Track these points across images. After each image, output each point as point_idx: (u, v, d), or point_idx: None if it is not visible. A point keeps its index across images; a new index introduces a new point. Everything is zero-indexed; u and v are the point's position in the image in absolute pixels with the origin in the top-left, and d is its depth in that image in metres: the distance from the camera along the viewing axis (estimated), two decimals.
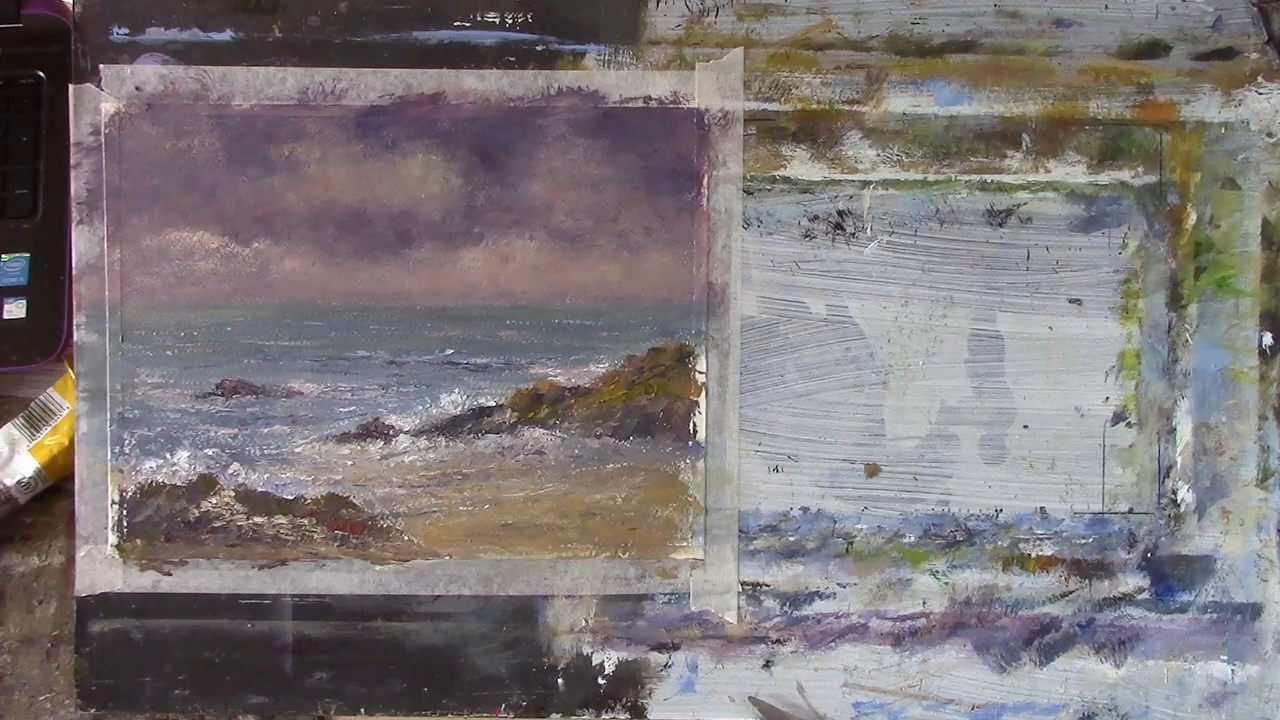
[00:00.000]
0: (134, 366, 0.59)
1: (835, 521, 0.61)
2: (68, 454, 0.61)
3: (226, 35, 0.60)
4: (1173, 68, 0.61)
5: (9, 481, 0.61)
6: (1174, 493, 0.61)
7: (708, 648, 0.60)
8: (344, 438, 0.60)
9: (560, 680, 0.60)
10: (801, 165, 0.61)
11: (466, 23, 0.60)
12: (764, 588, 0.61)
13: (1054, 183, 0.61)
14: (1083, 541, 0.61)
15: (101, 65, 0.59)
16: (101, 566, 0.59)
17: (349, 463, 0.60)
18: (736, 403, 0.60)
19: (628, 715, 0.60)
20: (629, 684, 0.60)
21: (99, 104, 0.59)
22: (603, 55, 0.60)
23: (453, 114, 0.60)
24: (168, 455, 0.59)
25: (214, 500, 0.60)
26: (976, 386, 0.61)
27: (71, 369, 0.61)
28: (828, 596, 0.61)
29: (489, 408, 0.60)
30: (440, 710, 0.60)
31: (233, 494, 0.60)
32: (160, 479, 0.59)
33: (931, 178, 0.61)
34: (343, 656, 0.60)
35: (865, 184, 0.61)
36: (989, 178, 0.61)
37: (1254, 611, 0.61)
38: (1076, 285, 0.61)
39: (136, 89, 0.59)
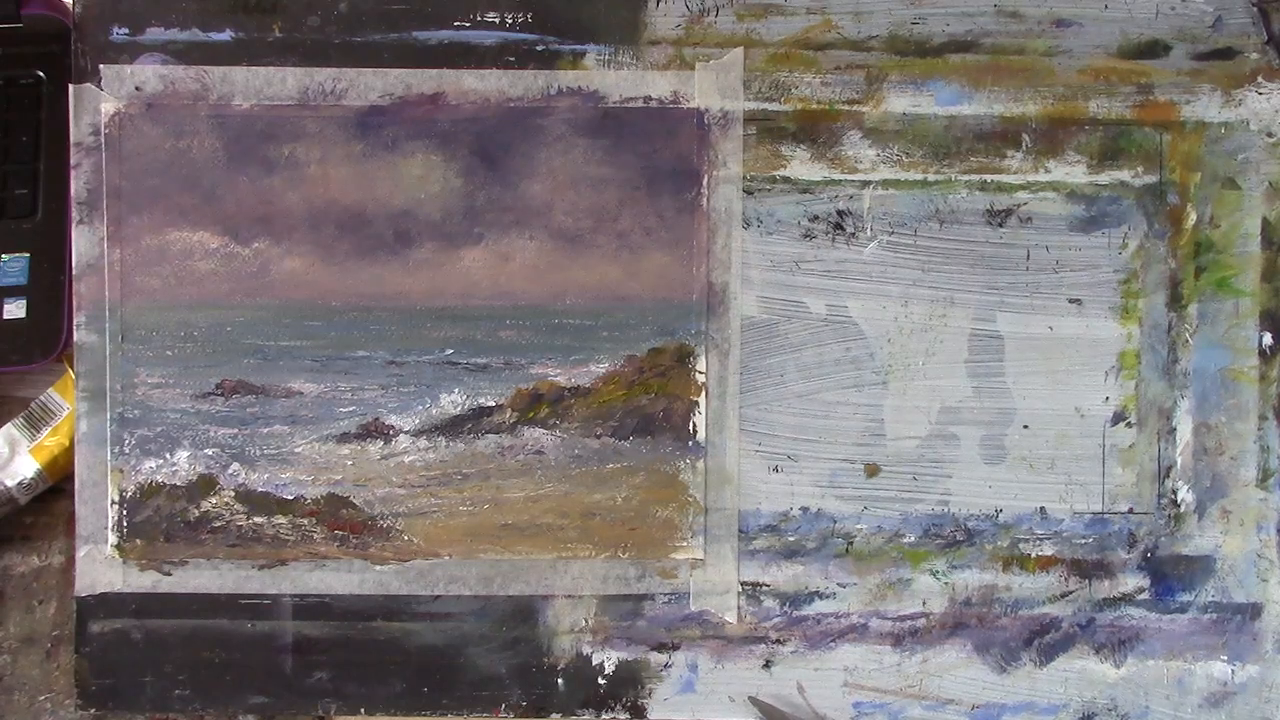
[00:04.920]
0: (134, 366, 0.59)
1: (835, 521, 0.61)
2: (68, 454, 0.61)
3: (226, 35, 0.60)
4: (1173, 68, 0.61)
5: (9, 482, 0.61)
6: (1174, 493, 0.61)
7: (708, 648, 0.60)
8: (344, 438, 0.60)
9: (560, 680, 0.60)
10: (801, 165, 0.61)
11: (466, 23, 0.60)
12: (764, 588, 0.61)
13: (1054, 183, 0.61)
14: (1083, 541, 0.61)
15: (101, 65, 0.59)
16: (101, 566, 0.59)
17: (349, 463, 0.60)
18: (736, 403, 0.60)
19: (628, 715, 0.60)
20: (629, 684, 0.60)
21: (99, 104, 0.59)
22: (603, 55, 0.60)
23: (453, 114, 0.60)
24: (168, 455, 0.59)
25: (214, 500, 0.60)
26: (976, 386, 0.61)
27: (71, 369, 0.61)
28: (828, 596, 0.61)
29: (489, 408, 0.60)
30: (440, 710, 0.60)
31: (233, 494, 0.60)
32: (160, 479, 0.59)
33: (931, 178, 0.61)
34: (343, 656, 0.60)
35: (865, 184, 0.61)
36: (989, 178, 0.61)
37: (1254, 611, 0.61)
38: (1076, 285, 0.61)
39: (136, 89, 0.59)
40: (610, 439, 0.60)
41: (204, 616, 0.60)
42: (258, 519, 0.60)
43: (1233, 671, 0.61)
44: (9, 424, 0.62)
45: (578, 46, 0.60)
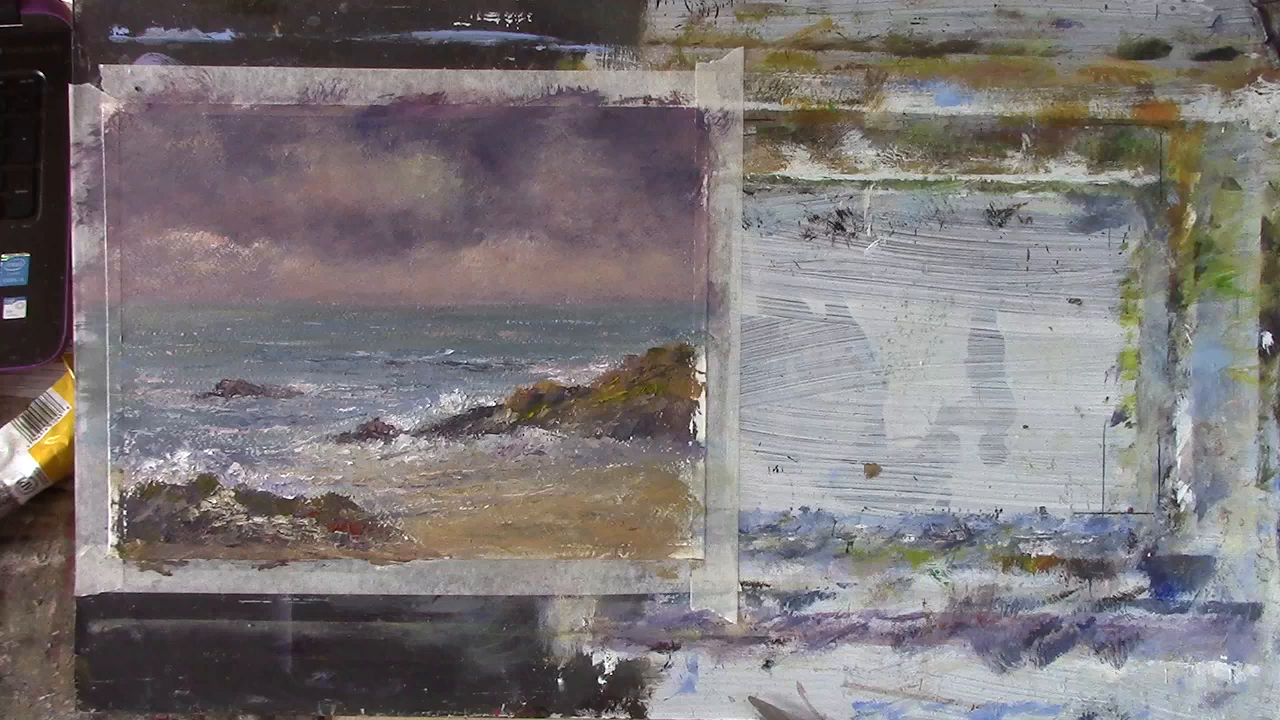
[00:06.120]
0: (134, 366, 0.59)
1: (835, 521, 0.61)
2: (68, 454, 0.61)
3: (226, 35, 0.60)
4: (1173, 68, 0.61)
5: (9, 481, 0.61)
6: (1174, 493, 0.61)
7: (708, 648, 0.60)
8: (344, 438, 0.60)
9: (560, 680, 0.60)
10: (801, 165, 0.61)
11: (466, 23, 0.60)
12: (764, 588, 0.61)
13: (1054, 183, 0.61)
14: (1083, 541, 0.61)
15: (101, 65, 0.59)
16: (101, 566, 0.59)
17: (349, 463, 0.60)
18: (736, 403, 0.60)
19: (628, 715, 0.60)
20: (629, 684, 0.60)
21: (99, 104, 0.59)
22: (603, 55, 0.60)
23: (453, 114, 0.60)
24: (168, 455, 0.59)
25: (214, 500, 0.60)
26: (976, 386, 0.61)
27: (71, 369, 0.61)
28: (828, 596, 0.61)
29: (489, 408, 0.60)
30: (440, 710, 0.60)
31: (233, 494, 0.60)
32: (160, 479, 0.59)
33: (931, 178, 0.61)
34: (343, 656, 0.60)
35: (865, 184, 0.61)
36: (989, 178, 0.61)
37: (1254, 611, 0.61)
38: (1076, 285, 0.61)
39: (136, 89, 0.59)
40: (610, 439, 0.60)
41: (204, 616, 0.60)
42: (258, 519, 0.60)
43: (1233, 671, 0.61)
44: (9, 424, 0.62)
45: (578, 46, 0.60)
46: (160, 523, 0.59)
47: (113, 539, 0.59)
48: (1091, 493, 0.61)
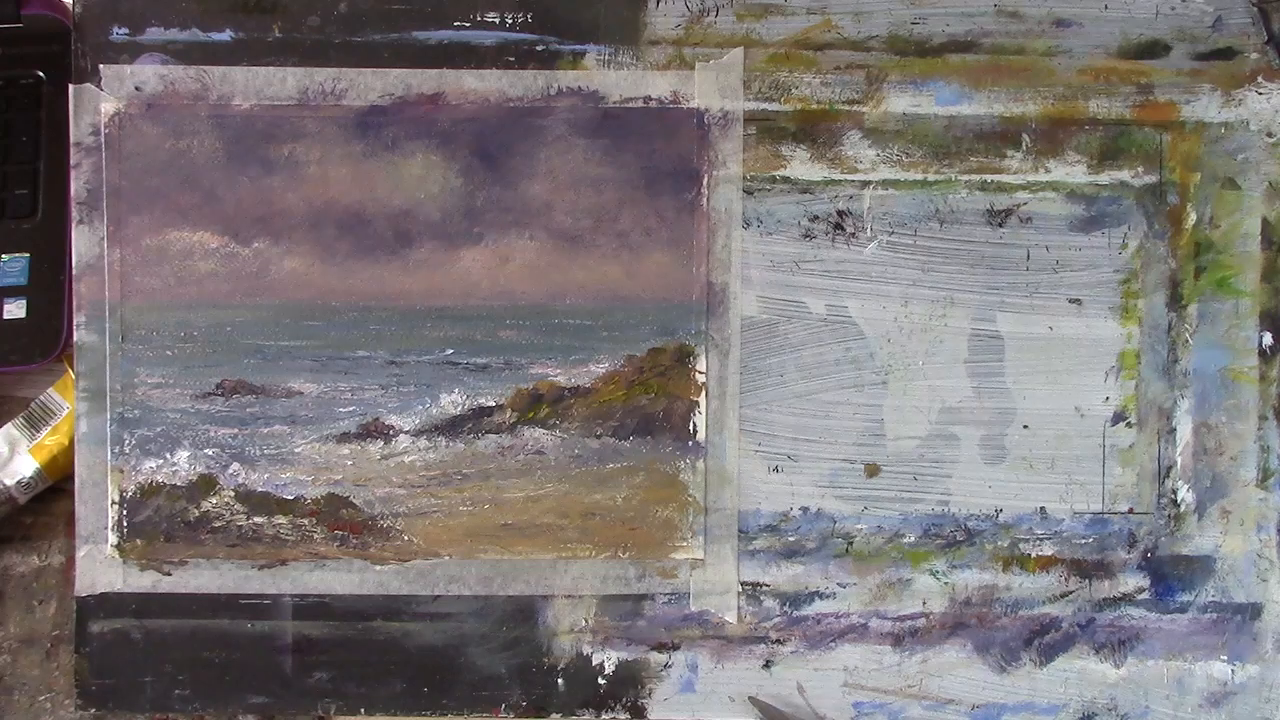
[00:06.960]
0: (134, 366, 0.59)
1: (835, 521, 0.61)
2: (68, 454, 0.61)
3: (226, 35, 0.60)
4: (1173, 68, 0.61)
5: (9, 481, 0.61)
6: (1174, 493, 0.61)
7: (708, 648, 0.60)
8: (344, 438, 0.60)
9: (560, 680, 0.60)
10: (801, 165, 0.61)
11: (466, 23, 0.60)
12: (764, 588, 0.61)
13: (1054, 183, 0.61)
14: (1083, 541, 0.61)
15: (101, 65, 0.59)
16: (101, 566, 0.59)
17: (349, 463, 0.60)
18: (736, 403, 0.60)
19: (628, 715, 0.60)
20: (629, 684, 0.60)
21: (99, 104, 0.59)
22: (603, 55, 0.60)
23: (453, 114, 0.60)
24: (168, 455, 0.59)
25: (214, 500, 0.60)
26: (976, 386, 0.61)
27: (71, 369, 0.61)
28: (828, 596, 0.61)
29: (489, 408, 0.60)
30: (440, 710, 0.60)
31: (233, 494, 0.60)
32: (160, 479, 0.59)
33: (931, 178, 0.61)
34: (343, 656, 0.60)
35: (865, 184, 0.61)
36: (989, 178, 0.61)
37: (1254, 611, 0.61)
38: (1076, 285, 0.61)
39: (136, 89, 0.59)
40: (610, 439, 0.60)
41: (204, 616, 0.60)
42: (258, 519, 0.60)
43: (1233, 671, 0.61)
44: (9, 424, 0.62)
45: (578, 46, 0.60)
46: (160, 523, 0.59)
47: (113, 539, 0.59)
48: (1091, 493, 0.61)
